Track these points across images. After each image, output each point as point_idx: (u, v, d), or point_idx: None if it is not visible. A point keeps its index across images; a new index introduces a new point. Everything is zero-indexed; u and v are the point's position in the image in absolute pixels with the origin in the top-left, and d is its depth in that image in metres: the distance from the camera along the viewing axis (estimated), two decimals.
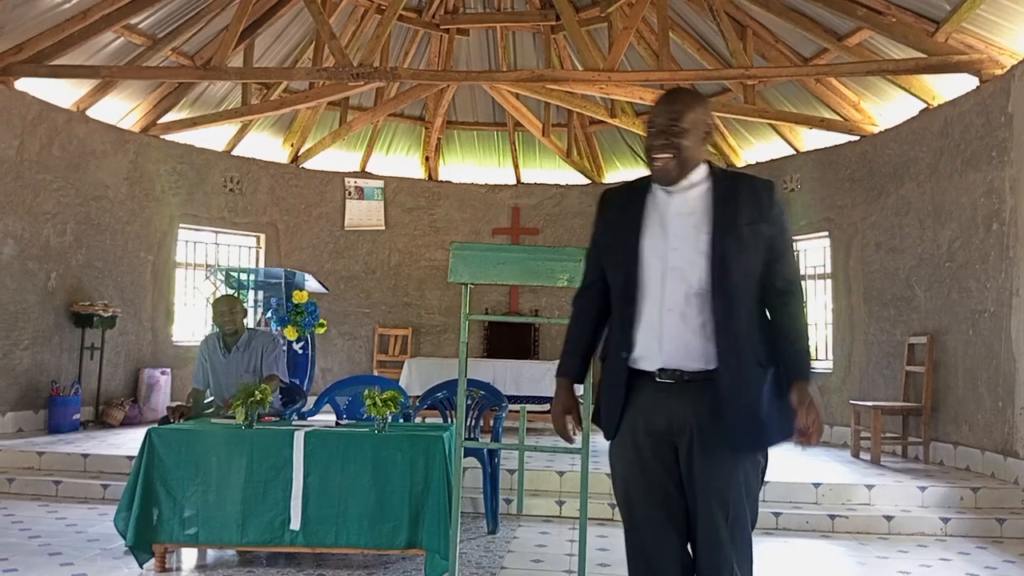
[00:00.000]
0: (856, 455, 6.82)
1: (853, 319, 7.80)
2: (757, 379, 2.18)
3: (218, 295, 5.08)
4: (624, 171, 10.41)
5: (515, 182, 10.66)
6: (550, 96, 8.41)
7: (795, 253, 2.33)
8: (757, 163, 9.08)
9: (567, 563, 4.21)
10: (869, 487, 5.53)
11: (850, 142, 7.95)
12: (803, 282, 2.38)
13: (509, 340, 9.98)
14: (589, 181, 10.41)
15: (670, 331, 2.21)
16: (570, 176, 10.54)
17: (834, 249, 8.10)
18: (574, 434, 2.50)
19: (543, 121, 9.74)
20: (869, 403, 6.76)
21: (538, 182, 10.60)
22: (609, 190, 2.45)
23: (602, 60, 8.18)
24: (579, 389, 2.51)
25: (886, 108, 7.69)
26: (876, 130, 7.72)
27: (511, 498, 5.34)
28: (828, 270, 8.22)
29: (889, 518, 5.18)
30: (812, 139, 8.54)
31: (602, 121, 9.41)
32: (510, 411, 5.33)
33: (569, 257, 3.43)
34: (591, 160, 10.40)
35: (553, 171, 10.66)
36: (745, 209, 2.23)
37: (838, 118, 7.98)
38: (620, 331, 2.29)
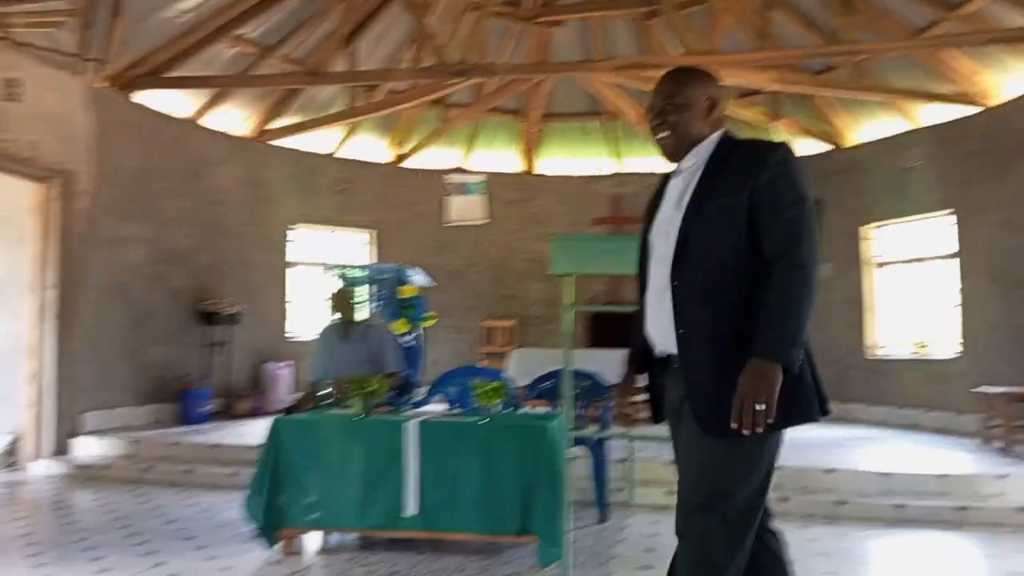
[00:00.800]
0: (986, 443, 6.48)
1: (981, 301, 7.40)
2: (723, 363, 2.07)
3: (334, 290, 5.37)
4: None
5: (614, 172, 10.60)
6: (647, 83, 8.28)
7: (796, 218, 2.08)
8: (870, 141, 8.72)
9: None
10: (1000, 477, 5.25)
11: (970, 115, 7.54)
12: (802, 248, 2.06)
13: (614, 329, 9.91)
14: None
15: (658, 320, 2.23)
16: (671, 164, 10.37)
17: (960, 228, 7.69)
18: (630, 393, 2.54)
19: (641, 109, 9.63)
20: (1000, 389, 6.40)
21: (637, 171, 10.50)
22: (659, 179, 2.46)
23: (702, 43, 8.04)
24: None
25: (1008, 79, 7.26)
26: (997, 102, 7.30)
27: (622, 487, 5.33)
28: (950, 251, 7.81)
29: (1023, 510, 4.91)
30: (929, 114, 8.13)
31: None
32: None
33: None
34: None
35: (652, 159, 10.53)
36: (727, 185, 2.14)
37: (955, 91, 7.57)
38: (640, 319, 2.34)
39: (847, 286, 8.78)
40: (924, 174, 7.98)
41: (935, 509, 4.98)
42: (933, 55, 7.47)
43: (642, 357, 2.38)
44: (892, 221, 8.44)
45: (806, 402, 2.12)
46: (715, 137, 2.26)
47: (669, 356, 2.24)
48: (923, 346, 8.15)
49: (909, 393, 7.99)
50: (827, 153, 9.11)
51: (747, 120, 9.38)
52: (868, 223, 8.65)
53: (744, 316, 2.07)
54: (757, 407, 1.96)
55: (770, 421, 1.98)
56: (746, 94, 9.15)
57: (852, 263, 8.75)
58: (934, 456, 6.11)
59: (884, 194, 8.40)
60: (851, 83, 7.70)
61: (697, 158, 2.24)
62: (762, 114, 8.96)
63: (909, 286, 8.37)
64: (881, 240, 8.68)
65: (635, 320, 2.38)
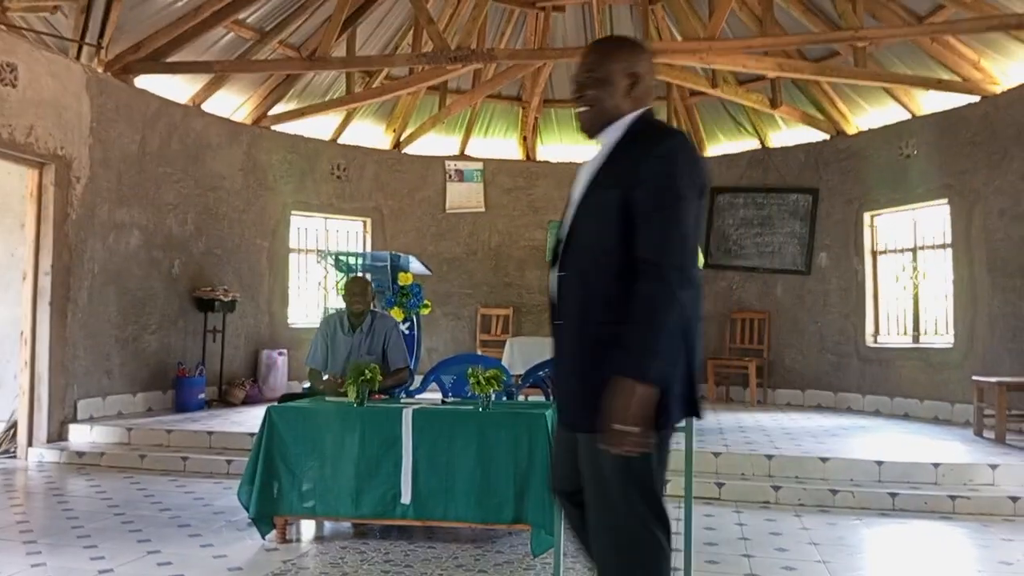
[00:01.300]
0: (979, 433, 6.49)
1: (975, 291, 7.39)
2: (588, 358, 1.99)
3: (331, 279, 5.26)
4: (727, 143, 10.16)
5: None
6: None
7: (667, 221, 1.93)
8: (870, 129, 8.69)
9: (674, 541, 4.18)
10: (993, 467, 5.27)
11: (970, 103, 7.51)
12: (669, 256, 1.92)
13: None
14: None
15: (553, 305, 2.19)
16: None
17: (954, 217, 7.68)
18: None
19: None
20: (993, 379, 6.41)
21: None
22: None
23: (702, 29, 8.00)
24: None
25: (1010, 66, 7.22)
26: (999, 90, 7.26)
27: None
28: (948, 240, 7.81)
29: (1015, 499, 4.92)
30: (929, 102, 8.09)
31: (703, 92, 9.20)
32: None
33: None
34: (692, 133, 10.17)
35: None
36: (614, 170, 2.04)
37: (956, 78, 7.53)
38: None
39: (845, 274, 8.78)
40: (923, 162, 7.95)
41: (928, 498, 5.00)
42: (935, 42, 7.43)
43: None
44: (891, 209, 8.42)
45: (666, 411, 1.97)
46: (630, 117, 2.11)
47: None
48: (920, 336, 8.16)
49: (904, 383, 8.01)
50: (827, 141, 9.09)
51: (748, 107, 9.35)
52: (868, 211, 8.63)
53: (609, 318, 1.97)
54: (625, 429, 1.85)
55: (650, 441, 1.87)
56: (744, 82, 9.10)
57: (851, 251, 8.74)
58: (927, 445, 6.13)
59: (884, 182, 8.38)
60: (852, 70, 7.65)
61: (608, 139, 2.12)
62: (762, 101, 8.92)
63: (907, 275, 8.35)
64: (881, 228, 8.67)
65: None
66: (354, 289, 5.07)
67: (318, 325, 5.28)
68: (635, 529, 1.99)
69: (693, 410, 2.09)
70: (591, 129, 2.16)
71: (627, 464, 1.93)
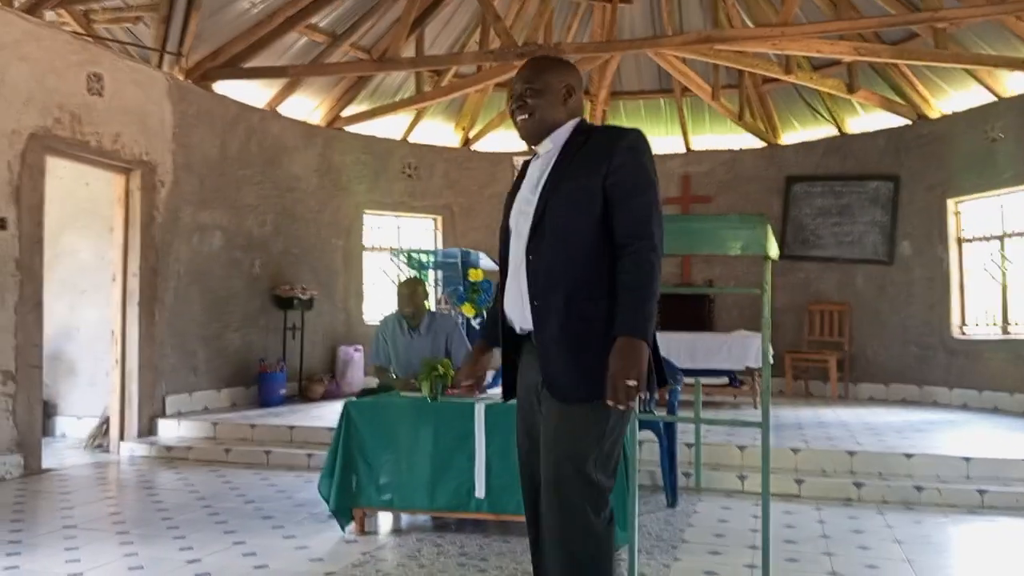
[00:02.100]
0: None
1: None
2: (575, 334, 2.18)
3: (402, 277, 5.30)
4: (803, 130, 9.90)
5: (684, 150, 10.43)
6: (719, 57, 8.12)
7: (646, 203, 2.19)
8: (953, 113, 8.36)
9: (751, 538, 4.13)
10: None
11: None
12: (653, 233, 2.16)
13: (683, 312, 9.78)
14: (764, 144, 10.00)
15: (516, 295, 2.30)
16: (743, 140, 10.16)
17: None
18: (471, 391, 2.64)
19: (712, 84, 9.43)
20: None
21: (708, 148, 10.31)
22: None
23: (775, 14, 7.82)
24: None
25: None
26: None
27: (691, 472, 5.29)
28: None
29: None
30: (1015, 83, 7.73)
31: (776, 79, 8.99)
32: (686, 384, 5.27)
33: (742, 224, 3.32)
34: (765, 121, 9.96)
35: (724, 136, 10.31)
36: (583, 163, 2.24)
37: None
38: (499, 294, 2.43)
39: (929, 263, 8.48)
40: (1011, 146, 7.61)
41: (1019, 495, 4.79)
42: (1020, 20, 7.09)
43: (498, 335, 2.47)
44: (977, 195, 8.09)
45: (653, 375, 2.27)
46: (571, 124, 2.36)
47: (528, 334, 2.31)
48: (1009, 326, 7.82)
49: (993, 375, 7.69)
50: (908, 126, 8.78)
51: (824, 93, 9.10)
52: (952, 197, 8.31)
53: (593, 294, 2.19)
54: (629, 383, 2.05)
55: (643, 395, 2.13)
56: (819, 67, 8.86)
57: (935, 239, 8.44)
58: (1018, 440, 5.87)
59: (969, 167, 8.06)
60: (932, 52, 7.36)
61: (554, 143, 2.35)
62: (838, 86, 8.67)
63: (995, 263, 8.01)
64: (966, 215, 8.34)
65: (495, 301, 2.53)
66: (402, 291, 5.11)
67: (377, 325, 5.33)
68: (604, 488, 2.20)
69: (662, 377, 2.36)
70: (534, 136, 2.37)
71: (607, 427, 2.19)
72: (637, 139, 2.27)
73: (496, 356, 2.54)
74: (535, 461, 2.34)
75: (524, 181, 2.40)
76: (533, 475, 2.36)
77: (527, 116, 2.34)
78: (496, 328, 2.49)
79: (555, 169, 2.28)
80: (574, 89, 2.38)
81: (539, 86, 2.33)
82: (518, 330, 2.35)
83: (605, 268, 2.20)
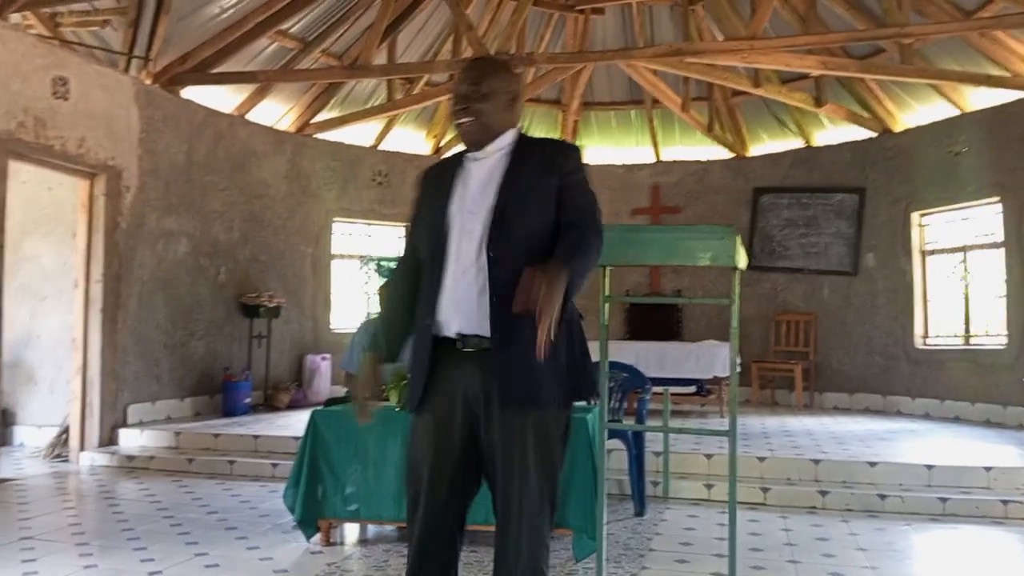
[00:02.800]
0: None
1: None
2: (533, 338, 2.07)
3: (376, 284, 5.27)
4: (771, 143, 10.03)
5: (654, 160, 10.50)
6: (689, 70, 8.20)
7: (592, 201, 2.28)
8: (918, 127, 8.51)
9: (718, 546, 4.15)
10: None
11: (1021, 99, 7.31)
12: (598, 221, 2.26)
13: (652, 321, 9.87)
14: (733, 155, 10.10)
15: (465, 295, 2.20)
16: (712, 151, 10.26)
17: (1006, 215, 7.48)
18: (366, 405, 2.37)
19: (682, 96, 9.52)
20: None
21: (678, 159, 10.39)
22: (428, 167, 2.49)
23: (744, 28, 7.91)
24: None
25: None
26: None
27: (658, 480, 5.31)
28: (999, 239, 7.61)
29: None
30: (978, 98, 7.90)
31: (745, 92, 9.09)
32: (654, 393, 5.29)
33: (711, 235, 3.34)
34: (734, 133, 10.07)
35: (694, 147, 10.40)
36: (536, 169, 2.25)
37: (1006, 74, 7.34)
38: (426, 299, 2.28)
39: (893, 275, 8.61)
40: (973, 160, 7.77)
41: (979, 503, 4.88)
42: (983, 37, 7.25)
43: (394, 345, 2.39)
44: (941, 208, 8.24)
45: (590, 381, 2.31)
46: (513, 132, 2.36)
47: (461, 337, 2.20)
48: (971, 337, 7.96)
49: (955, 385, 7.81)
50: (874, 139, 8.92)
51: (792, 106, 9.22)
52: (917, 210, 8.45)
53: None
54: (543, 287, 1.99)
55: (554, 316, 2.00)
56: (787, 81, 8.98)
57: (899, 251, 8.57)
58: (979, 449, 5.98)
59: (933, 180, 8.20)
60: (898, 67, 7.49)
61: (498, 146, 2.32)
62: (806, 100, 8.79)
63: (958, 275, 8.15)
64: (930, 228, 8.48)
65: (384, 308, 2.46)
66: (383, 296, 5.10)
67: (355, 331, 5.29)
68: (556, 491, 2.24)
69: (595, 390, 2.41)
70: (479, 139, 2.31)
71: (565, 432, 2.25)
72: (581, 154, 2.36)
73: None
74: (447, 478, 2.23)
75: (463, 181, 2.31)
76: (446, 497, 2.24)
77: (472, 119, 2.28)
78: (395, 338, 2.39)
79: (511, 172, 2.26)
80: (518, 95, 2.37)
81: (485, 90, 2.29)
82: (453, 335, 2.22)
83: None
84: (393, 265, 7.81)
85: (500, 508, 2.20)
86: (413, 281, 2.38)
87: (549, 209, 2.23)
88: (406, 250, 2.47)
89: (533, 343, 2.04)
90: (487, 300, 2.18)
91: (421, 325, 2.30)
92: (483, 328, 2.19)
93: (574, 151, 2.34)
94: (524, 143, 2.35)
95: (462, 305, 2.22)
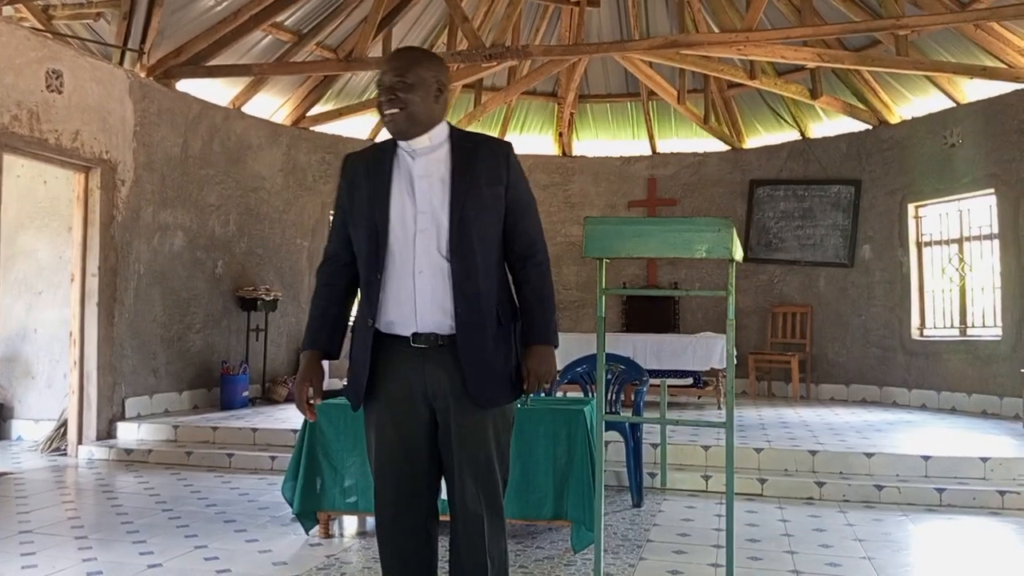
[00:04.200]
0: None
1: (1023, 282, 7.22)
2: (495, 337, 2.25)
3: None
4: (767, 135, 10.03)
5: (650, 153, 10.50)
6: (684, 62, 8.20)
7: (537, 217, 2.38)
8: (913, 118, 8.52)
9: (715, 537, 4.16)
10: None
11: (1016, 91, 7.33)
12: (545, 244, 2.40)
13: (649, 314, 9.89)
14: (729, 147, 10.11)
15: (423, 295, 2.21)
16: (708, 144, 10.26)
17: (1001, 207, 7.50)
18: (313, 407, 2.32)
19: (678, 88, 9.51)
20: None
21: (674, 151, 10.39)
22: (352, 154, 2.43)
23: (740, 20, 7.89)
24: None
25: None
26: None
27: (656, 472, 5.33)
28: (995, 230, 7.63)
29: None
30: (974, 90, 7.91)
31: (741, 84, 9.09)
32: (651, 385, 5.30)
33: (707, 227, 3.35)
34: (730, 125, 10.08)
35: (690, 139, 10.40)
36: (485, 170, 2.27)
37: (1002, 65, 7.35)
38: (367, 297, 2.27)
39: (890, 266, 8.63)
40: (969, 151, 7.78)
41: (976, 493, 4.90)
42: (979, 29, 7.26)
43: (333, 341, 2.38)
44: (937, 200, 8.25)
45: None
46: (444, 124, 2.33)
47: (416, 336, 2.22)
48: (967, 328, 7.98)
49: (951, 376, 7.85)
50: (869, 131, 8.93)
51: (788, 98, 9.22)
52: (913, 201, 8.47)
53: (505, 297, 2.32)
54: (546, 386, 2.32)
55: (547, 388, 2.36)
56: (783, 73, 8.98)
57: (895, 243, 8.59)
58: (976, 440, 6.00)
59: (929, 172, 8.22)
60: (894, 59, 7.49)
61: (434, 140, 2.29)
62: (802, 92, 8.79)
63: (953, 266, 8.17)
64: (926, 219, 8.50)
65: (319, 303, 2.40)
66: None
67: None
68: (508, 474, 2.37)
69: None
70: (407, 130, 2.25)
71: (511, 425, 2.37)
72: (515, 154, 2.36)
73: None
74: (416, 469, 2.29)
75: (397, 176, 2.27)
76: (409, 488, 2.29)
77: (398, 110, 2.22)
78: (333, 333, 2.38)
79: (459, 171, 2.25)
80: (445, 86, 2.31)
81: (411, 80, 2.22)
82: (406, 333, 2.22)
83: (505, 274, 2.35)
84: None
85: (459, 497, 2.26)
86: (348, 276, 2.37)
87: (500, 214, 2.29)
88: (334, 244, 2.40)
89: (492, 345, 2.23)
90: (449, 302, 2.20)
91: (361, 322, 2.29)
92: (439, 327, 2.21)
93: (512, 155, 2.34)
94: (459, 138, 2.33)
95: (420, 305, 2.22)
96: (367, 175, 2.32)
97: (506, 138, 10.52)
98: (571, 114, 10.46)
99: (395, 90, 2.22)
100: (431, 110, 2.26)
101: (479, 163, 2.26)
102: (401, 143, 2.29)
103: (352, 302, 2.44)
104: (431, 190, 2.24)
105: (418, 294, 2.21)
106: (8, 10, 6.50)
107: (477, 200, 2.23)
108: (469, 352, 2.20)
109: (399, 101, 2.22)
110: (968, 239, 8.05)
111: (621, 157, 10.45)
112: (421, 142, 2.27)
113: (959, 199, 8.05)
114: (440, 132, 2.30)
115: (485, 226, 2.24)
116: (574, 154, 10.69)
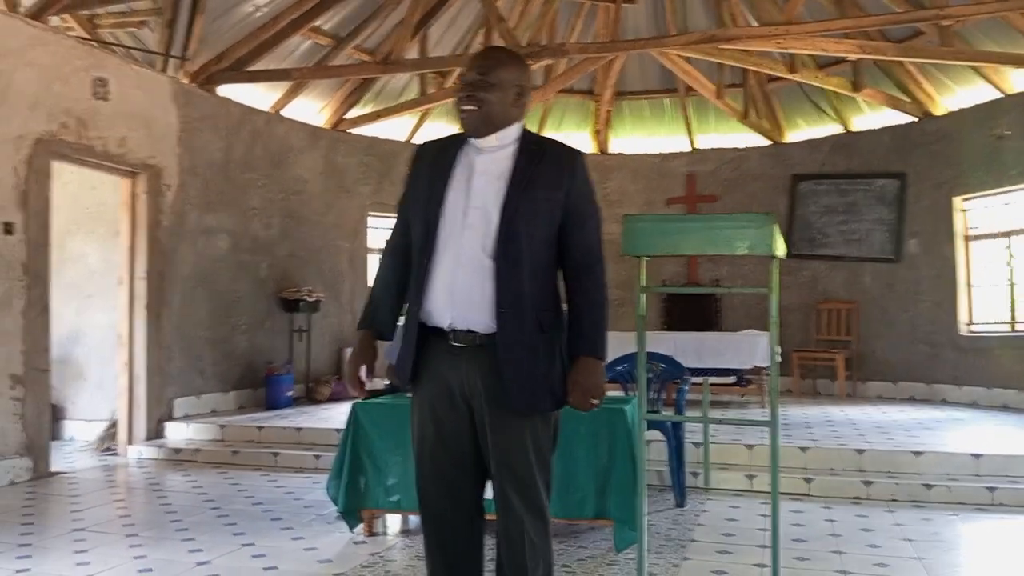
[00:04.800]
0: None
1: None
2: (536, 343, 2.21)
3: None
4: (808, 129, 9.88)
5: (689, 149, 10.41)
6: (723, 56, 8.10)
7: (598, 227, 2.35)
8: (960, 110, 8.33)
9: (760, 537, 4.12)
10: None
11: None
12: (603, 256, 2.36)
13: (689, 311, 9.80)
14: (770, 142, 9.98)
15: (462, 289, 2.19)
16: (748, 138, 10.14)
17: None
18: (364, 384, 2.41)
19: (716, 83, 9.42)
20: None
21: (714, 147, 10.29)
22: (425, 142, 2.46)
23: (779, 13, 7.80)
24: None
25: None
26: None
27: (699, 471, 5.28)
28: None
29: None
30: (1022, 80, 7.70)
31: (781, 78, 8.97)
32: (693, 384, 5.26)
33: (748, 223, 3.30)
34: (771, 120, 9.94)
35: (729, 135, 10.29)
36: (546, 174, 2.24)
37: None
38: (416, 283, 2.27)
39: (937, 261, 8.45)
40: (1018, 142, 7.58)
41: None
42: None
43: (387, 323, 2.40)
44: (984, 193, 8.06)
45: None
46: (518, 126, 2.32)
47: (453, 331, 2.22)
48: (1017, 323, 7.79)
49: (1002, 373, 7.65)
50: (914, 123, 8.75)
51: (829, 91, 9.08)
52: (959, 195, 8.28)
53: (550, 304, 2.27)
54: (594, 401, 2.25)
55: (595, 404, 2.27)
56: (824, 66, 8.84)
57: (942, 237, 8.41)
58: None
59: (975, 165, 8.03)
60: (937, 50, 7.34)
61: (503, 140, 2.29)
62: (844, 84, 8.65)
63: (1002, 260, 7.98)
64: (973, 212, 8.31)
65: (376, 284, 2.44)
66: None
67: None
68: (551, 481, 2.33)
69: None
70: (479, 128, 2.27)
71: (556, 427, 2.36)
72: (585, 162, 2.34)
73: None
74: (456, 470, 2.30)
75: (464, 168, 2.28)
76: (451, 485, 2.31)
77: (475, 108, 2.24)
78: (388, 315, 2.41)
79: (521, 170, 2.24)
80: (525, 90, 2.32)
81: (493, 80, 2.24)
82: (444, 326, 2.23)
83: (556, 280, 2.31)
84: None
85: (500, 500, 2.26)
86: (405, 260, 2.38)
87: (555, 220, 2.25)
88: (398, 227, 2.44)
89: (532, 349, 2.19)
90: (489, 303, 2.18)
91: (411, 309, 2.32)
92: (478, 325, 2.20)
93: (579, 163, 2.31)
94: (530, 141, 2.32)
95: (458, 299, 2.21)
96: (432, 163, 2.35)
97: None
98: (608, 111, 10.42)
99: (475, 87, 2.25)
100: (507, 112, 2.28)
101: (541, 167, 2.25)
102: (471, 139, 2.31)
103: (406, 286, 2.44)
104: (487, 187, 2.24)
105: (458, 287, 2.21)
106: (55, 20, 6.66)
107: (530, 203, 2.21)
108: (507, 353, 2.19)
109: (476, 99, 2.24)
110: (1017, 232, 7.84)
111: (659, 154, 10.38)
112: (489, 141, 2.28)
113: (1007, 191, 7.85)
114: (511, 133, 2.30)
115: (535, 229, 2.21)
116: (611, 151, 10.64)
